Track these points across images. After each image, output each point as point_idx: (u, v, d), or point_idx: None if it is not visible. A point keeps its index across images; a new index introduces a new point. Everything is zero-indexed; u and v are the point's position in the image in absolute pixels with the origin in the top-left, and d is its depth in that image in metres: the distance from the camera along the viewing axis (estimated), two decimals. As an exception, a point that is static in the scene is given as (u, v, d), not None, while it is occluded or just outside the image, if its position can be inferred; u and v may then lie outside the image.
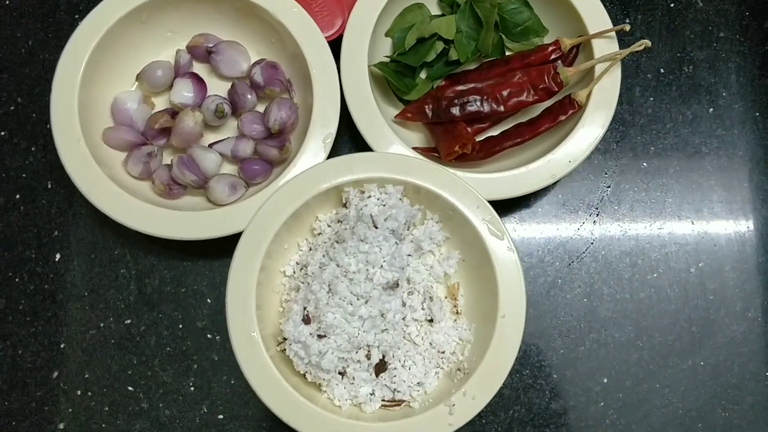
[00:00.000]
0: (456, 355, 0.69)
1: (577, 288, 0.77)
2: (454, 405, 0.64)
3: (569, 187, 0.79)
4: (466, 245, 0.71)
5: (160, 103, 0.77)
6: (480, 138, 0.76)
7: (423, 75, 0.78)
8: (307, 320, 0.66)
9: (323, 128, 0.72)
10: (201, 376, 0.73)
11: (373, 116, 0.72)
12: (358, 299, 0.66)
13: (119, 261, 0.75)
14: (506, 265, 0.67)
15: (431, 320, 0.71)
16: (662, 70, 0.83)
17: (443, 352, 0.70)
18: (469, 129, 0.74)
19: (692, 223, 0.79)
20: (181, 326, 0.74)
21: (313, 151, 0.72)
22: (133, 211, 0.69)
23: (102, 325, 0.74)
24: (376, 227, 0.67)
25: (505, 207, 0.68)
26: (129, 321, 0.74)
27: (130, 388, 0.73)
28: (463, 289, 0.72)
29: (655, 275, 0.77)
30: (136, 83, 0.77)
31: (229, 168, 0.76)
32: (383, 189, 0.70)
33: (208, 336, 0.74)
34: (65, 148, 0.70)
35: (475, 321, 0.70)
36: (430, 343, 0.70)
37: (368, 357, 0.67)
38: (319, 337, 0.65)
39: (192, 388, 0.73)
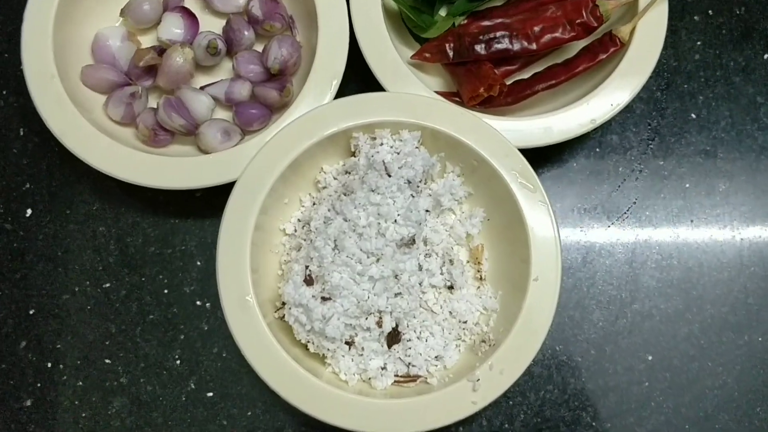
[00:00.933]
0: (480, 326, 0.62)
1: (617, 253, 0.68)
2: (478, 380, 0.56)
3: (608, 139, 0.71)
4: (492, 201, 0.63)
5: (147, 41, 0.69)
6: (508, 82, 0.67)
7: (443, 12, 0.70)
8: (309, 281, 0.58)
9: (329, 69, 0.64)
10: (188, 348, 0.65)
11: (387, 53, 0.64)
12: (368, 257, 0.58)
13: (97, 217, 0.68)
14: (539, 222, 0.59)
15: (451, 287, 0.63)
16: (711, 12, 0.74)
17: (465, 323, 0.62)
18: (496, 71, 0.65)
19: (746, 181, 0.69)
20: (166, 291, 0.66)
21: (317, 95, 0.64)
22: (112, 156, 0.61)
23: (77, 289, 0.66)
24: (390, 175, 0.59)
25: (534, 161, 0.59)
26: (107, 285, 0.66)
27: (107, 361, 0.65)
28: (488, 252, 0.64)
29: (705, 239, 0.68)
30: (121, 19, 0.69)
31: (223, 115, 0.68)
32: (397, 135, 0.62)
33: (197, 303, 0.66)
34: (37, 84, 0.62)
35: (502, 288, 0.62)
36: (450, 312, 0.62)
37: (379, 325, 0.58)
38: (323, 299, 0.57)
39: (178, 362, 0.65)
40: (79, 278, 0.66)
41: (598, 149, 0.70)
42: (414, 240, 0.58)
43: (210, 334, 0.65)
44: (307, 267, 0.58)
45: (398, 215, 0.59)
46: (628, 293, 0.67)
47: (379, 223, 0.58)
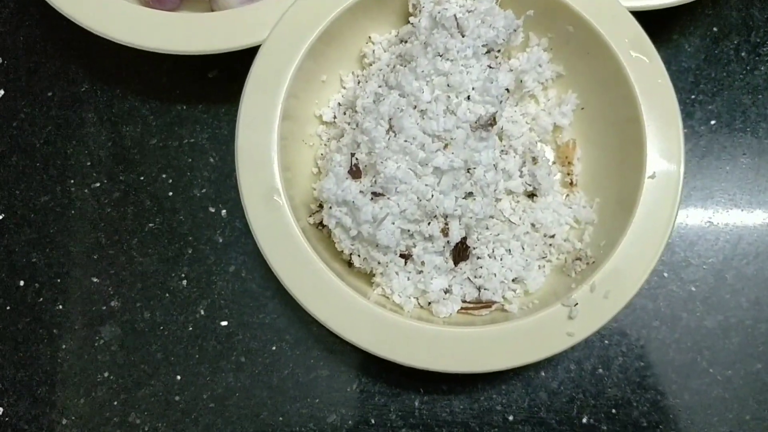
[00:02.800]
0: (570, 242, 0.49)
1: (740, 155, 0.54)
2: (576, 305, 0.43)
3: (727, 15, 0.57)
4: (589, 82, 0.50)
5: None
6: None
7: None
8: (355, 172, 0.45)
9: None
10: (198, 265, 0.53)
11: None
12: (433, 141, 0.44)
13: (86, 101, 0.56)
14: (657, 104, 0.46)
15: (533, 194, 0.50)
16: None
17: (552, 236, 0.49)
18: None
19: None
20: (171, 194, 0.54)
21: None
22: (105, 10, 0.49)
23: (59, 189, 0.54)
24: (463, 35, 0.45)
25: None
26: (97, 185, 0.54)
27: (95, 280, 0.52)
28: (582, 150, 0.51)
29: None
30: None
31: None
32: None
33: (210, 209, 0.53)
34: None
35: (600, 194, 0.49)
36: (532, 225, 0.49)
37: (445, 233, 0.45)
38: (375, 195, 0.44)
39: (184, 282, 0.52)
40: (61, 176, 0.54)
41: (715, 28, 0.56)
42: (494, 120, 0.44)
43: (225, 249, 0.52)
44: (353, 155, 0.45)
45: (473, 89, 0.45)
46: (756, 205, 0.53)
47: (448, 97, 0.45)
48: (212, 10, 0.52)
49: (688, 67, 0.55)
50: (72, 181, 0.54)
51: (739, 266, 0.52)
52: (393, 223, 0.44)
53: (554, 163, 0.51)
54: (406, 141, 0.44)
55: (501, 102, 0.46)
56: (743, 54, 0.56)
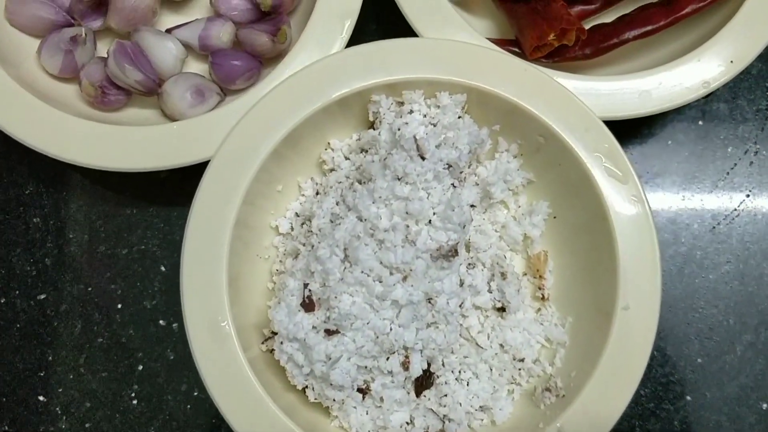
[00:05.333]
0: (541, 364, 0.47)
1: (724, 264, 0.53)
2: None
3: (714, 108, 0.56)
4: (561, 192, 0.48)
5: (96, -33, 0.54)
6: (586, 26, 0.52)
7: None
8: (308, 305, 0.43)
9: (340, 5, 0.51)
10: (148, 383, 0.52)
11: (422, -14, 0.49)
12: (391, 274, 0.43)
13: (31, 205, 0.55)
14: (631, 225, 0.45)
15: (502, 309, 0.48)
16: None
17: (521, 360, 0.47)
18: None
19: None
20: (120, 307, 0.53)
21: (322, 41, 0.50)
22: (48, 126, 0.48)
23: (3, 300, 0.53)
24: (423, 158, 0.44)
25: (615, 136, 0.44)
26: (43, 296, 0.53)
27: (41, 398, 0.51)
28: (554, 261, 0.49)
29: None
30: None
31: (196, 68, 0.55)
32: (434, 100, 0.48)
33: (161, 322, 0.52)
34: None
35: (573, 312, 0.48)
36: (501, 345, 0.47)
37: (405, 367, 0.44)
38: (328, 333, 0.43)
39: (134, 402, 0.51)
40: (5, 287, 0.53)
41: (701, 122, 0.55)
42: (456, 251, 0.42)
43: (177, 365, 0.52)
44: (306, 285, 0.44)
45: (434, 214, 0.44)
46: (738, 319, 0.52)
47: (407, 226, 0.43)
48: (161, 110, 0.51)
49: (670, 166, 0.53)
50: (17, 292, 0.53)
51: (720, 383, 0.51)
52: (349, 360, 0.42)
53: (525, 274, 0.49)
54: (362, 272, 0.42)
55: (464, 226, 0.43)
56: (730, 149, 0.53)
